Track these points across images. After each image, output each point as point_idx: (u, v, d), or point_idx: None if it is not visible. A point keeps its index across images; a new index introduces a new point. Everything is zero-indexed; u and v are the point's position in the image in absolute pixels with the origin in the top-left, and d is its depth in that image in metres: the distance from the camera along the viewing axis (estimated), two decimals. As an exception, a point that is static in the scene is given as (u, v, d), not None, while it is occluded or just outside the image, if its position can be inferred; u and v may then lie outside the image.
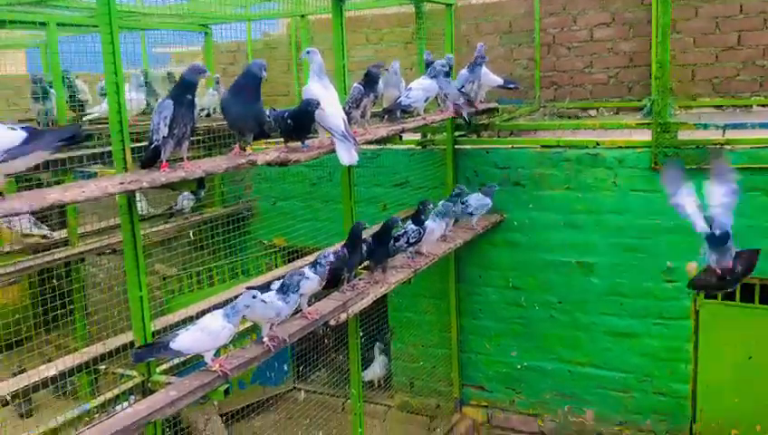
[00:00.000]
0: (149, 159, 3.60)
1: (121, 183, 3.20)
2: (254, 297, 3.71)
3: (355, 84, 4.95)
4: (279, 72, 10.42)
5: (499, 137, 7.12)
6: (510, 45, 9.08)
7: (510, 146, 6.74)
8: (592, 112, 8.68)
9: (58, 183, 5.01)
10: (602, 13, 8.69)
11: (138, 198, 6.93)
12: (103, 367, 4.02)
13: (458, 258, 6.93)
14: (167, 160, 3.49)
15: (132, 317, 3.81)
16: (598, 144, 6.28)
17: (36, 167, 4.01)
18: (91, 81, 7.63)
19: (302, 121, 4.20)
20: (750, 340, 6.01)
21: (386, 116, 5.39)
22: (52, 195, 2.91)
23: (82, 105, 6.98)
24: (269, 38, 10.49)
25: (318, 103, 4.16)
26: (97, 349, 4.05)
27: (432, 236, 5.56)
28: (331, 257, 4.27)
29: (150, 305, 6.23)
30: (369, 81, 4.95)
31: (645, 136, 6.18)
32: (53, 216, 6.71)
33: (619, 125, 6.65)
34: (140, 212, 7.07)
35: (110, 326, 5.27)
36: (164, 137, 3.48)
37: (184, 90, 3.59)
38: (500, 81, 6.62)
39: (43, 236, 6.44)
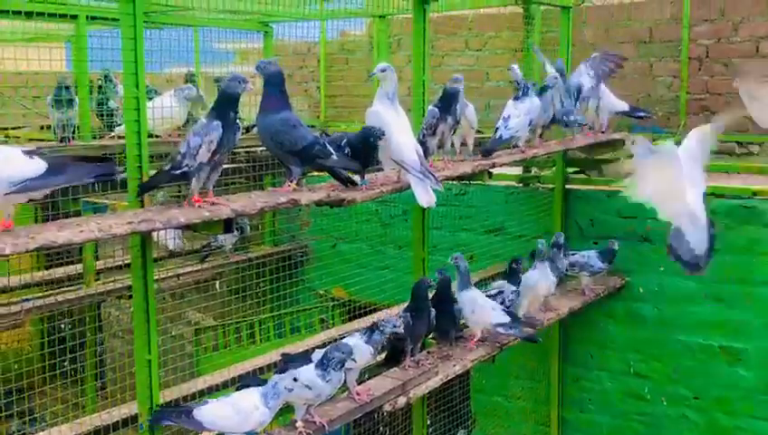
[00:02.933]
0: (158, 182, 3.70)
1: (130, 222, 3.26)
2: (295, 380, 3.79)
3: (430, 107, 4.93)
4: (356, 81, 10.59)
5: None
6: (649, 58, 8.90)
7: (638, 190, 6.55)
8: (754, 149, 8.36)
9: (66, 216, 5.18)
10: (773, 21, 8.42)
11: (171, 235, 7.22)
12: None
13: (563, 331, 6.76)
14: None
15: (138, 386, 3.87)
16: (755, 194, 6.06)
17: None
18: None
19: (361, 153, 4.19)
20: None
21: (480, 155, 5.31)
22: (44, 234, 3.00)
23: (112, 114, 7.25)
24: (347, 38, 10.66)
25: (382, 133, 4.15)
26: (94, 420, 4.13)
27: (535, 291, 5.43)
28: (393, 325, 4.23)
29: (179, 364, 6.39)
30: (447, 101, 4.90)
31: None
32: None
33: (785, 170, 6.39)
34: (171, 248, 7.29)
35: (133, 386, 5.39)
36: (201, 163, 3.53)
37: (227, 105, 3.65)
38: (625, 107, 6.49)
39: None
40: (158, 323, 7.44)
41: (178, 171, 3.60)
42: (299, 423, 4.01)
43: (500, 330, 5.07)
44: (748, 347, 6.13)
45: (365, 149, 4.22)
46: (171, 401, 4.45)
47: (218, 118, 3.63)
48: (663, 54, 8.81)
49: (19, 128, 8.43)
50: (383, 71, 4.48)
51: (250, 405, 3.71)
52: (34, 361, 7.24)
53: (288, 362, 4.27)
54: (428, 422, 5.70)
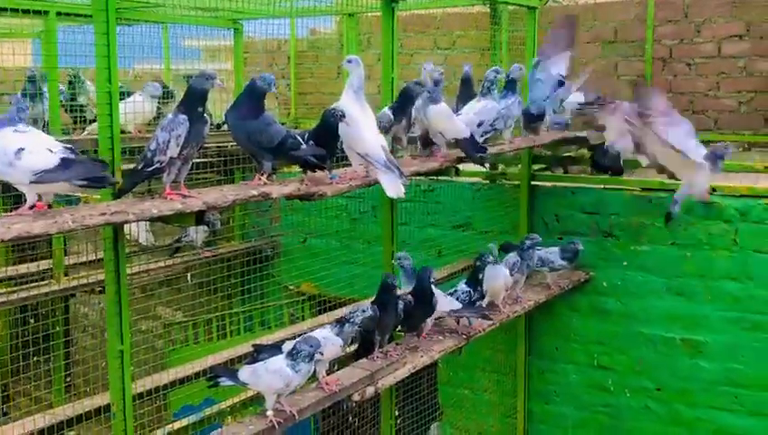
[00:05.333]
0: (134, 183, 3.78)
1: (103, 214, 3.33)
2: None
3: (385, 109, 5.00)
4: (326, 80, 10.66)
5: (590, 174, 7.09)
6: (614, 58, 9.05)
7: (601, 186, 6.71)
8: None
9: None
10: (734, 22, 8.57)
11: (142, 228, 7.27)
12: (72, 433, 4.16)
13: (529, 325, 6.90)
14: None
15: (110, 375, 3.94)
16: (715, 190, 6.20)
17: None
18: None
19: (324, 139, 4.27)
20: None
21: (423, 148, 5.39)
22: (19, 225, 3.06)
23: (81, 109, 7.29)
24: (317, 36, 10.73)
25: (342, 114, 4.23)
26: (67, 410, 4.19)
27: (493, 291, 5.55)
28: (362, 311, 4.33)
29: (146, 357, 6.42)
30: (404, 102, 4.97)
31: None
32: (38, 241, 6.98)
33: (743, 167, 6.55)
34: (141, 242, 7.33)
35: (97, 379, 5.43)
36: (171, 158, 3.61)
37: (194, 101, 3.74)
38: (586, 97, 6.67)
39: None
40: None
41: (150, 168, 3.68)
42: (269, 412, 4.09)
43: (453, 314, 5.26)
44: (708, 340, 6.29)
45: (327, 133, 4.28)
46: (143, 392, 4.50)
47: (184, 112, 3.72)
48: (628, 54, 8.97)
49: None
50: (349, 62, 4.58)
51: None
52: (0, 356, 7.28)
53: (259, 353, 4.38)
54: (396, 414, 5.81)
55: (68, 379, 7.05)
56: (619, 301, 6.61)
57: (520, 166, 6.89)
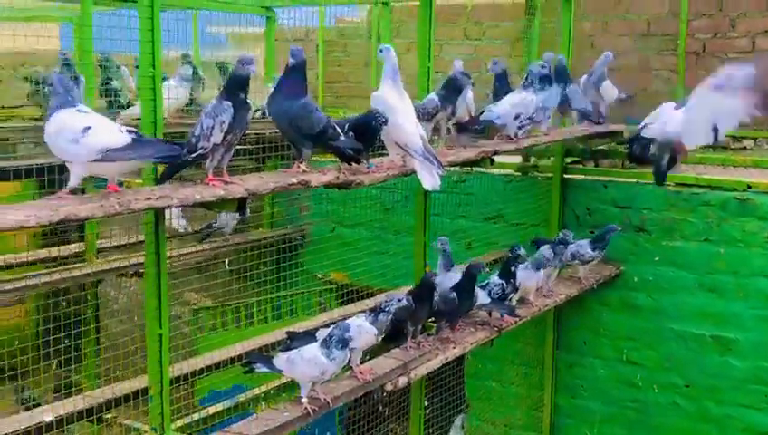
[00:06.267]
0: (177, 169, 3.81)
1: (148, 198, 3.36)
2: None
3: (431, 95, 5.04)
4: (354, 68, 10.68)
5: (622, 168, 7.08)
6: (647, 52, 9.01)
7: (635, 180, 6.70)
8: (748, 144, 8.48)
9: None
10: (768, 16, 8.54)
11: (176, 215, 7.31)
12: (110, 416, 4.21)
13: (559, 318, 6.90)
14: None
15: (148, 359, 3.98)
16: (750, 187, 6.20)
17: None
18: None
19: (364, 136, 4.29)
20: None
21: (459, 135, 5.43)
22: (66, 208, 3.10)
23: (116, 94, 7.35)
24: (345, 25, 10.75)
25: (386, 120, 4.26)
26: (104, 393, 4.24)
27: (525, 290, 5.59)
28: (397, 305, 4.35)
29: (175, 344, 6.46)
30: (451, 90, 5.02)
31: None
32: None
33: (779, 164, 6.53)
34: (176, 229, 7.38)
35: (128, 365, 5.47)
36: (215, 144, 3.64)
37: (237, 87, 3.76)
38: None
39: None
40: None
41: (194, 154, 3.71)
42: (304, 400, 4.13)
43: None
44: (739, 337, 6.28)
45: (368, 132, 4.32)
46: (173, 378, 4.54)
47: (228, 99, 3.76)
48: (661, 48, 8.92)
49: (19, 107, 8.50)
50: (381, 51, 4.60)
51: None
52: (30, 338, 7.35)
53: (293, 341, 4.42)
54: (425, 404, 5.83)
55: (98, 363, 7.11)
56: (650, 296, 6.61)
57: (552, 158, 6.87)
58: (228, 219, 7.36)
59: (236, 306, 7.46)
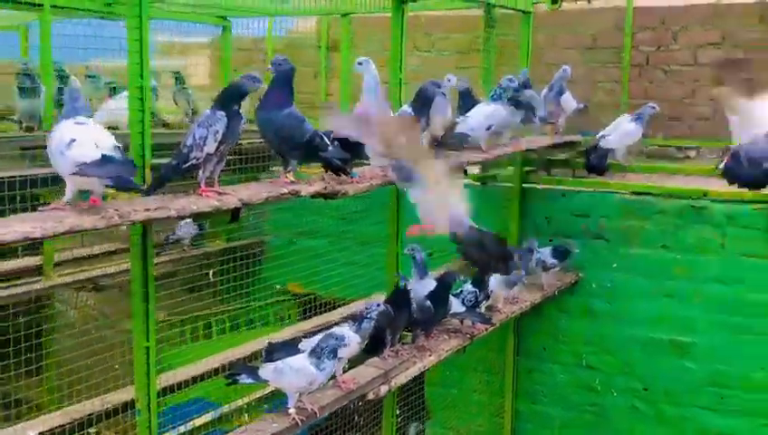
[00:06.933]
0: (167, 179, 3.78)
1: (147, 209, 3.35)
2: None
3: (404, 106, 5.11)
4: (304, 78, 10.65)
5: (573, 177, 7.23)
6: (592, 64, 9.23)
7: (592, 189, 6.87)
8: (691, 153, 8.75)
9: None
10: (710, 30, 8.80)
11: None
12: (94, 431, 4.15)
13: (519, 325, 7.01)
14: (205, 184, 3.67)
15: (136, 372, 3.94)
16: (705, 195, 6.39)
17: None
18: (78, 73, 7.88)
19: (349, 147, 4.34)
20: None
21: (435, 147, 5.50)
22: (69, 220, 3.07)
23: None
24: (295, 35, 10.74)
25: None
26: (85, 407, 4.17)
27: (495, 297, 5.70)
28: (377, 311, 4.39)
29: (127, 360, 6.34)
30: (422, 102, 5.08)
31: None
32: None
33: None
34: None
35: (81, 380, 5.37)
36: (209, 154, 3.64)
37: (234, 99, 3.80)
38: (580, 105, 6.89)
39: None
40: (108, 319, 7.41)
41: (186, 164, 3.71)
42: (291, 410, 4.13)
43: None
44: (695, 341, 6.47)
45: (354, 142, 4.37)
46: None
47: (222, 109, 3.77)
48: (606, 61, 9.15)
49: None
50: (360, 64, 4.64)
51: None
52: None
53: (275, 351, 4.42)
54: (397, 413, 5.87)
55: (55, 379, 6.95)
56: (608, 302, 6.77)
57: (512, 168, 7.00)
58: (187, 231, 7.30)
59: (195, 319, 7.38)
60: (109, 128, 3.61)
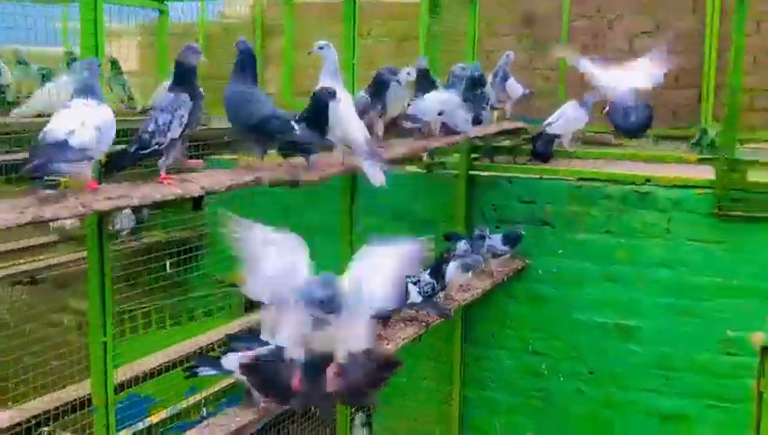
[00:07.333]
0: (124, 166, 3.63)
1: (109, 198, 3.20)
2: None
3: (361, 93, 5.04)
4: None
5: (514, 163, 7.26)
6: (530, 51, 9.28)
7: (538, 176, 6.90)
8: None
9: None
10: (645, 19, 8.96)
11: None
12: (47, 429, 3.97)
13: (467, 312, 7.01)
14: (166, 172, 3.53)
15: (92, 368, 3.79)
16: (648, 180, 6.48)
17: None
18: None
19: (314, 122, 4.21)
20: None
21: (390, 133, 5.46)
22: (30, 209, 2.91)
23: (2, 90, 6.93)
24: (228, 20, 10.53)
25: (334, 93, 4.19)
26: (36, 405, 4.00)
27: (450, 286, 5.68)
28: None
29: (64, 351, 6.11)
30: (378, 88, 5.03)
31: (704, 174, 6.41)
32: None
33: (675, 158, 6.88)
34: (68, 229, 7.02)
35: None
36: (173, 139, 3.52)
37: (188, 77, 3.67)
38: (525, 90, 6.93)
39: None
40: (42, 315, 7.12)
41: (147, 150, 3.56)
42: (257, 400, 4.04)
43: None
44: (640, 325, 6.56)
45: (318, 115, 4.22)
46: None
47: (185, 91, 3.63)
48: (543, 48, 9.21)
49: None
50: (321, 48, 4.54)
51: None
52: None
53: (234, 342, 4.31)
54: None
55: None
56: (554, 288, 6.81)
57: (458, 155, 6.98)
58: (125, 222, 7.07)
59: (133, 313, 7.15)
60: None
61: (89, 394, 4.10)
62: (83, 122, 3.18)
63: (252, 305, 5.22)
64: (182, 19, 9.66)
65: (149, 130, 3.54)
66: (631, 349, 6.61)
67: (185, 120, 3.54)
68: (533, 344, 6.93)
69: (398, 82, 5.17)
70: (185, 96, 3.57)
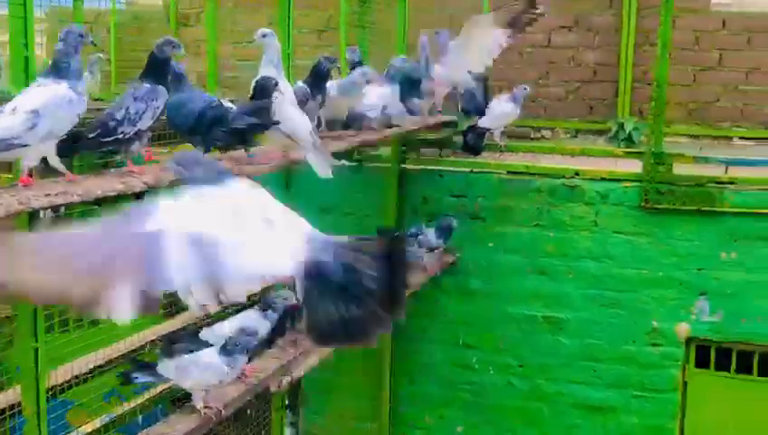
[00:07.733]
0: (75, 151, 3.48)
1: (47, 194, 2.97)
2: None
3: (299, 83, 4.89)
4: (148, 52, 10.08)
5: (440, 156, 7.21)
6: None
7: (469, 169, 6.86)
8: (546, 133, 8.96)
9: None
10: (563, 14, 9.03)
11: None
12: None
13: (396, 307, 6.92)
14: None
15: (22, 376, 3.55)
16: (577, 174, 6.52)
17: None
18: None
19: (257, 111, 4.05)
20: (746, 418, 6.37)
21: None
22: (-36, 207, 2.67)
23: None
24: (140, 9, 10.16)
25: (277, 82, 4.05)
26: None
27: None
28: (284, 298, 4.16)
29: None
30: (318, 78, 4.90)
31: (630, 167, 6.48)
32: None
33: (603, 152, 6.94)
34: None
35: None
36: (140, 130, 3.40)
37: (161, 69, 3.57)
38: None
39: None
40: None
41: (110, 138, 3.38)
42: (200, 406, 3.85)
43: None
44: (569, 317, 6.62)
45: (261, 106, 4.05)
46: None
47: (159, 82, 3.53)
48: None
49: None
50: (264, 36, 4.37)
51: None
52: None
53: (174, 344, 4.09)
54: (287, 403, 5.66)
55: None
56: (484, 281, 6.80)
57: (389, 148, 6.88)
58: (43, 219, 6.71)
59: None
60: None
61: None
62: (14, 108, 2.94)
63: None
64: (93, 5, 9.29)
65: (117, 117, 3.37)
66: (560, 341, 6.67)
67: (158, 113, 3.40)
68: (464, 338, 6.91)
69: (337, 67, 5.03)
70: (161, 87, 3.46)
